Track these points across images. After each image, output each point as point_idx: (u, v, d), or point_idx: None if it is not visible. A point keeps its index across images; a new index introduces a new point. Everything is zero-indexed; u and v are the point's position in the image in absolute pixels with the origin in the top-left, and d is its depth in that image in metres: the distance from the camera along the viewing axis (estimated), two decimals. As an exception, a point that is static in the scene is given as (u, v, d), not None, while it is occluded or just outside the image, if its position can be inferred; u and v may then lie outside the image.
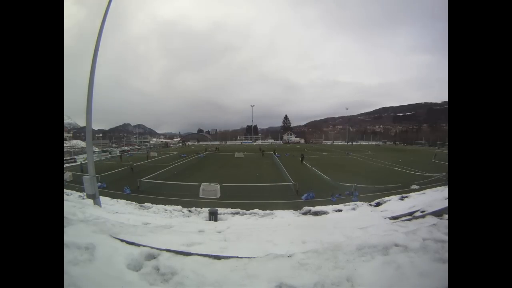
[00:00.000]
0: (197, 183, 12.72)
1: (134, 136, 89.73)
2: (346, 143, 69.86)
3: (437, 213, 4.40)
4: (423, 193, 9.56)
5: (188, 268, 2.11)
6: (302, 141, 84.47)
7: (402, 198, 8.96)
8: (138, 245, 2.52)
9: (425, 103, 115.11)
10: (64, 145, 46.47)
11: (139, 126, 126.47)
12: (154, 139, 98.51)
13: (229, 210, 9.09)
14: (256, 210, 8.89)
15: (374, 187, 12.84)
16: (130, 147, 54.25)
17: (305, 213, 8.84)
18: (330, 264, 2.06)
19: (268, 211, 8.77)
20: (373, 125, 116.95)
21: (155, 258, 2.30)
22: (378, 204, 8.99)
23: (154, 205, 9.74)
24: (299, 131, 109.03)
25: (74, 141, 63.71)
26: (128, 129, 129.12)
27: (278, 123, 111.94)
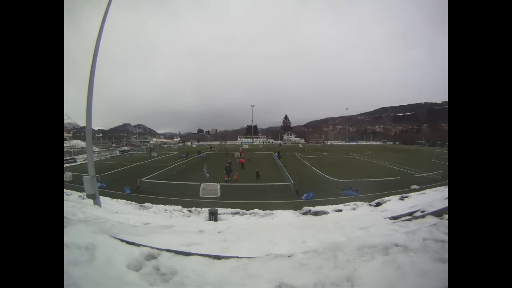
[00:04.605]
0: (198, 183, 12.73)
1: (134, 136, 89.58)
2: (346, 143, 69.84)
3: (437, 213, 4.40)
4: (423, 193, 9.56)
5: (188, 268, 2.11)
6: (302, 141, 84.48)
7: (402, 198, 8.97)
8: (138, 245, 2.51)
9: (425, 103, 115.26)
10: (64, 145, 46.44)
11: (139, 126, 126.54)
12: (154, 139, 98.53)
13: (229, 210, 9.09)
14: (256, 210, 8.90)
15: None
16: (131, 147, 54.17)
17: (305, 213, 8.85)
18: (330, 264, 2.06)
19: (268, 211, 8.77)
20: (373, 125, 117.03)
21: (155, 258, 2.30)
22: (378, 204, 9.00)
23: (154, 205, 9.74)
24: (299, 131, 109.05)
25: (74, 141, 63.74)
26: (128, 129, 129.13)
27: (278, 122, 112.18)
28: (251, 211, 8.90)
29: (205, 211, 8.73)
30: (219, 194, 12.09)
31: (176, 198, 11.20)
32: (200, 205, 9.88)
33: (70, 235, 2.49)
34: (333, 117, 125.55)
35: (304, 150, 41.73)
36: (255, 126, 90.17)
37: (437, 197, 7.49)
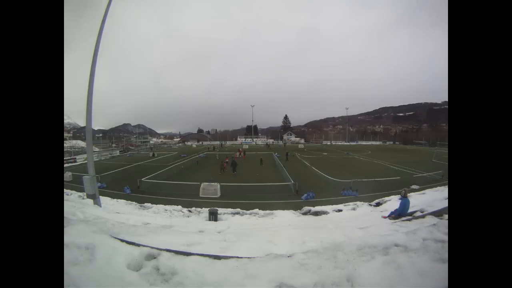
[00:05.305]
0: (198, 183, 12.73)
1: (134, 136, 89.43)
2: (346, 143, 69.78)
3: (437, 213, 4.41)
4: (423, 193, 9.57)
5: (188, 268, 2.11)
6: (302, 141, 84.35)
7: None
8: (138, 245, 2.52)
9: (425, 103, 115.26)
10: (64, 145, 46.40)
11: (139, 126, 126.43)
12: (154, 139, 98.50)
13: (229, 210, 9.10)
14: (256, 210, 8.90)
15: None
16: (130, 147, 54.13)
17: (305, 213, 8.85)
18: (330, 264, 2.06)
19: (268, 211, 8.77)
20: (373, 125, 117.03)
21: (155, 258, 2.30)
22: (378, 204, 9.00)
23: (154, 205, 9.74)
24: (299, 131, 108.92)
25: (74, 141, 63.75)
26: (128, 129, 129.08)
27: (278, 123, 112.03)
28: (251, 211, 8.90)
29: (205, 211, 8.73)
30: (219, 194, 12.09)
31: (176, 198, 11.20)
32: (200, 205, 9.88)
33: (70, 235, 2.49)
34: (333, 117, 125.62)
35: (304, 150, 41.71)
36: (255, 126, 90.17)
37: (437, 197, 7.50)
